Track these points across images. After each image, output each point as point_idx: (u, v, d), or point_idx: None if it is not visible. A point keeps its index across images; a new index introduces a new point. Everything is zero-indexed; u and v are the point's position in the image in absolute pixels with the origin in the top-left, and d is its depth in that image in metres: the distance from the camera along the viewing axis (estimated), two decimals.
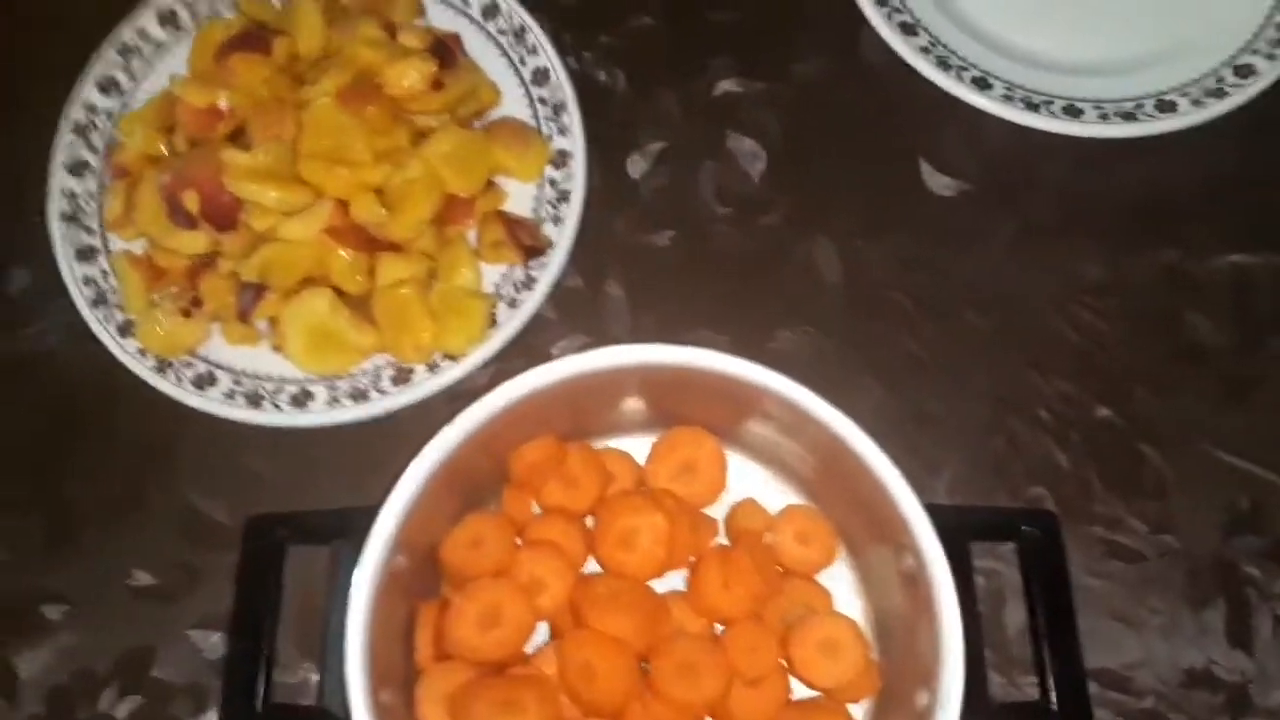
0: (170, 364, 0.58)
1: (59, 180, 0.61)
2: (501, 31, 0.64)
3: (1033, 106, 0.61)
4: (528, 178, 0.61)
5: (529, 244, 0.59)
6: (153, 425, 0.59)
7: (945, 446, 0.58)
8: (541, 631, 0.53)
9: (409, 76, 0.58)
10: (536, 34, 0.63)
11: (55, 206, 0.61)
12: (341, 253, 0.56)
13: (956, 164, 0.64)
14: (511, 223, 0.59)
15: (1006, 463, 0.58)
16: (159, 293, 0.58)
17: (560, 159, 0.61)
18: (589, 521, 0.54)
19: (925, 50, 0.63)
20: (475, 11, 0.65)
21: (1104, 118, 0.61)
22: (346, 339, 0.57)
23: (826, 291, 0.62)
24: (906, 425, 0.58)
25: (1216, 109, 0.61)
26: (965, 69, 0.63)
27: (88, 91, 0.63)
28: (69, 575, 0.58)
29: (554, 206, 0.60)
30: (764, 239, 0.63)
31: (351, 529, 0.47)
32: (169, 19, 0.64)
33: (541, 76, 0.63)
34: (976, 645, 0.45)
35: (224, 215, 0.56)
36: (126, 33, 0.64)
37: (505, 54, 0.64)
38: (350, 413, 0.57)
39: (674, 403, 0.55)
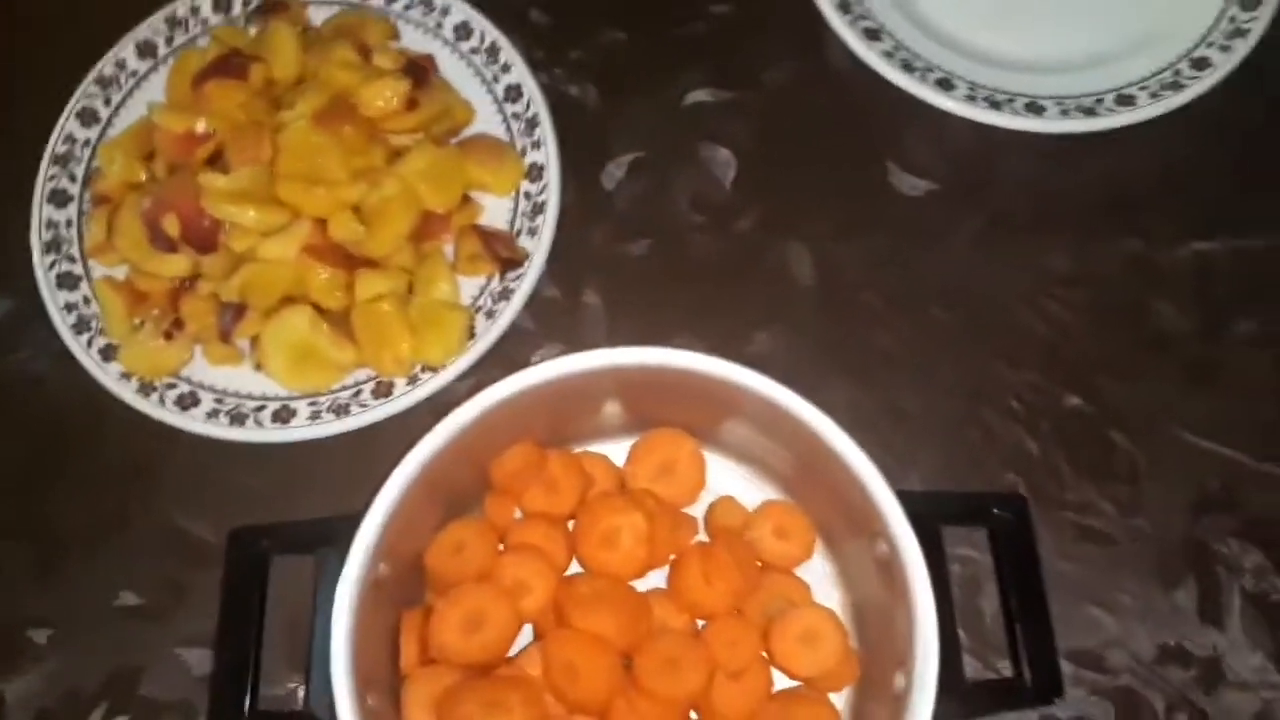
0: (154, 386, 0.59)
1: (40, 210, 0.63)
2: (474, 51, 0.65)
3: (995, 105, 0.63)
4: (502, 192, 0.62)
5: (505, 256, 0.60)
6: (136, 447, 0.60)
7: (919, 439, 0.59)
8: (525, 634, 0.53)
9: (384, 97, 0.60)
10: (508, 52, 0.65)
11: (37, 236, 0.62)
12: (320, 270, 0.57)
13: (923, 164, 0.65)
14: (488, 236, 0.60)
15: (979, 453, 0.59)
16: (141, 316, 0.60)
17: (535, 172, 0.62)
18: (570, 525, 0.55)
19: (889, 54, 0.64)
20: (448, 32, 0.66)
21: (1065, 114, 0.63)
22: (327, 355, 0.58)
23: (800, 293, 0.63)
24: (881, 420, 0.59)
25: (1174, 102, 0.62)
26: (928, 71, 0.64)
27: (68, 123, 0.64)
28: (55, 598, 0.58)
29: (529, 219, 0.62)
30: (738, 244, 0.64)
31: (335, 538, 0.48)
32: (147, 50, 0.66)
33: (514, 93, 0.64)
34: (950, 626, 0.46)
35: (204, 238, 0.57)
36: (105, 64, 0.65)
37: (478, 73, 0.65)
38: (332, 427, 0.58)
39: (652, 406, 0.56)
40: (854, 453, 0.48)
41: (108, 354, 0.59)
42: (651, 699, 0.50)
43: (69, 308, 0.60)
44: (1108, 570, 0.56)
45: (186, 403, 0.58)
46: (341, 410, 0.58)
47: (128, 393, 0.59)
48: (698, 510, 0.57)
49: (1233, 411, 0.59)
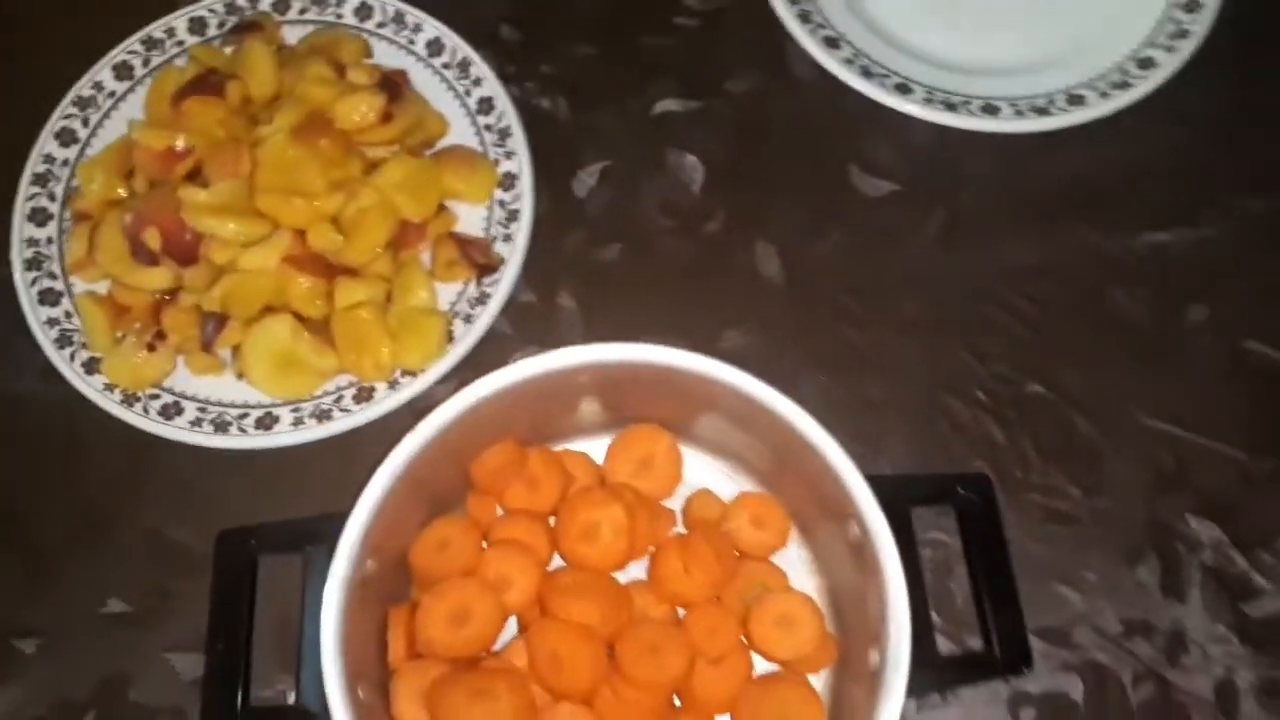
0: (137, 397, 0.60)
1: (21, 229, 0.64)
2: (446, 66, 0.67)
3: (952, 107, 0.65)
4: (477, 200, 0.64)
5: (482, 262, 0.61)
6: (121, 457, 0.61)
7: (888, 429, 0.61)
8: (509, 629, 0.54)
9: (359, 111, 0.61)
10: (479, 66, 0.66)
11: (18, 254, 0.63)
12: (301, 280, 0.59)
13: (884, 166, 0.67)
14: (464, 243, 0.62)
15: (947, 441, 0.60)
16: (123, 330, 0.61)
17: (508, 181, 0.64)
18: (551, 521, 0.57)
19: (849, 62, 0.67)
20: (420, 49, 0.68)
21: (1019, 114, 0.65)
22: (308, 362, 0.59)
23: (769, 291, 0.65)
24: (851, 412, 0.61)
25: (1122, 100, 0.65)
26: (887, 76, 0.66)
27: (46, 143, 0.65)
28: (42, 608, 0.59)
29: (504, 226, 0.63)
30: (707, 246, 0.66)
31: (322, 536, 0.49)
32: (124, 71, 0.67)
33: (486, 105, 0.66)
34: (921, 603, 0.48)
35: (185, 250, 0.59)
36: (83, 86, 0.66)
37: (451, 86, 0.67)
38: (315, 432, 0.59)
39: (629, 403, 0.57)
40: (825, 440, 0.50)
41: (91, 367, 0.60)
42: (635, 685, 0.51)
43: (51, 323, 0.61)
44: (1073, 550, 0.58)
45: (170, 412, 0.59)
46: (324, 416, 0.59)
47: (111, 404, 0.59)
48: (675, 503, 0.58)
49: (1187, 394, 0.61)
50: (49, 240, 0.63)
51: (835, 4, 0.70)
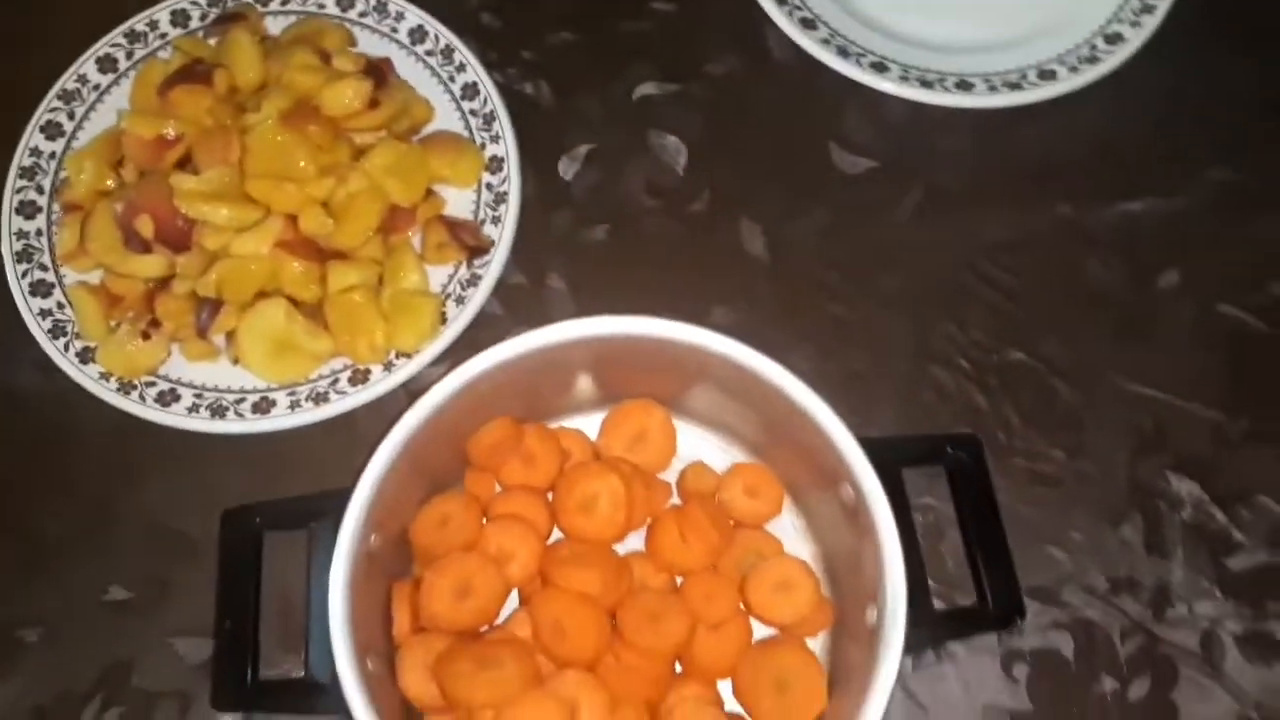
0: (133, 384, 0.60)
1: (9, 222, 0.64)
2: (430, 53, 0.68)
3: (927, 84, 0.67)
4: (464, 184, 0.65)
5: (472, 244, 0.62)
6: (117, 445, 0.61)
7: (875, 399, 0.62)
8: (510, 603, 0.55)
9: (346, 96, 0.62)
10: (463, 52, 0.67)
11: (8, 248, 0.63)
12: (294, 264, 0.59)
13: (863, 143, 0.68)
14: (453, 225, 0.62)
15: (933, 409, 0.62)
16: (116, 319, 0.61)
17: (494, 164, 0.65)
18: (549, 497, 0.57)
19: (825, 41, 0.68)
20: (403, 36, 0.68)
21: (993, 89, 0.67)
22: (304, 345, 0.60)
23: (754, 268, 0.66)
24: (837, 383, 0.62)
25: (1092, 74, 0.67)
26: (863, 55, 0.68)
27: (32, 136, 0.66)
28: (43, 597, 0.59)
29: (492, 208, 0.64)
30: (692, 225, 0.67)
31: (326, 511, 0.50)
32: (107, 64, 0.67)
33: (471, 91, 0.67)
34: (916, 560, 0.49)
35: (178, 237, 0.59)
36: (67, 79, 0.67)
37: (435, 73, 0.68)
38: (312, 415, 0.59)
39: (622, 378, 0.58)
40: (817, 404, 0.51)
41: (85, 357, 0.61)
42: (637, 652, 0.52)
43: (44, 314, 0.61)
44: (1059, 511, 0.60)
45: (167, 399, 0.60)
46: (320, 398, 0.60)
47: (107, 392, 0.60)
48: (670, 476, 0.59)
49: (1163, 358, 0.63)
50: (38, 233, 0.64)
51: None
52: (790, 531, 0.58)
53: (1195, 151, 0.68)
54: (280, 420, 0.59)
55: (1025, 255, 0.65)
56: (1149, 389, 0.62)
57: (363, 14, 0.69)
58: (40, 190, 0.65)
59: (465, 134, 0.66)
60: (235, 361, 0.61)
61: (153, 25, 0.68)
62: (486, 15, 0.73)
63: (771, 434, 0.57)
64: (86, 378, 0.60)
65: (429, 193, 0.64)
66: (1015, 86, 0.67)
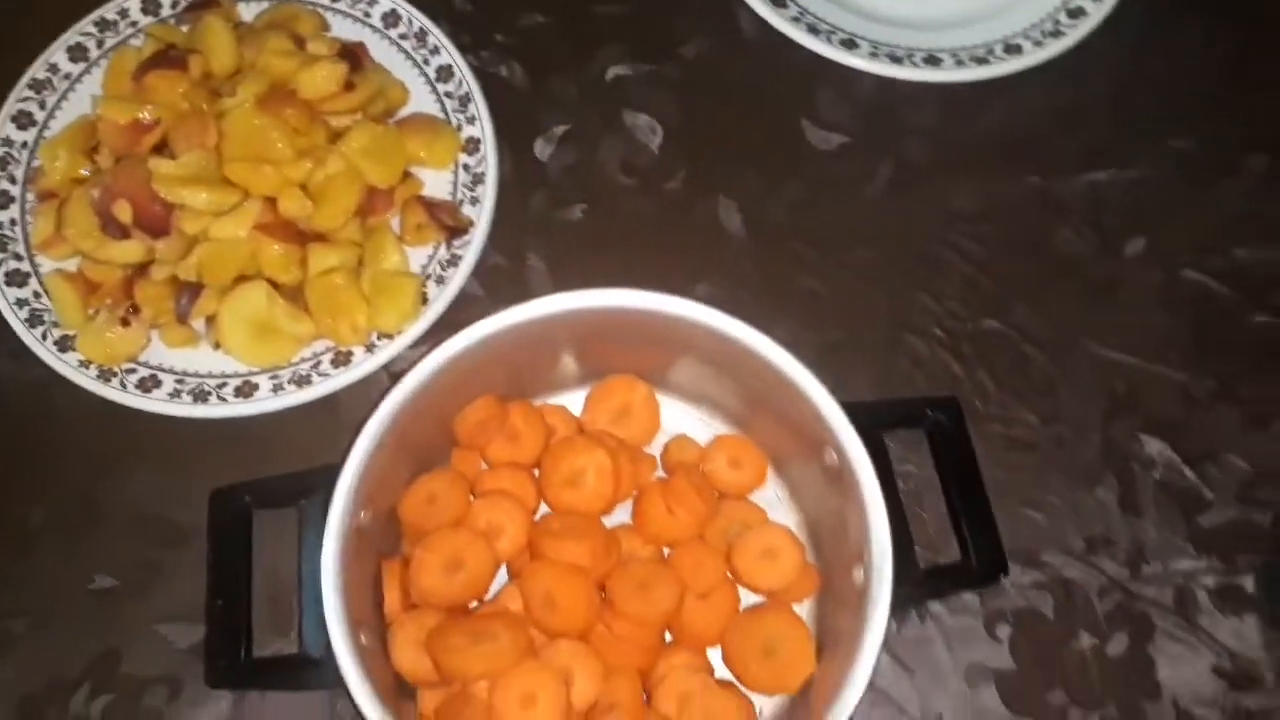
0: (113, 372, 0.60)
1: None
2: (403, 37, 0.68)
3: (896, 60, 0.68)
4: (441, 165, 0.65)
5: (450, 224, 0.62)
6: (99, 433, 0.61)
7: (853, 369, 0.63)
8: (499, 579, 0.55)
9: (322, 79, 0.62)
10: (437, 35, 0.68)
11: None
12: (274, 246, 0.59)
13: (834, 119, 0.69)
14: (432, 206, 0.63)
15: (910, 377, 0.63)
16: (94, 306, 0.60)
17: (471, 145, 0.65)
18: (536, 474, 0.58)
19: (796, 19, 0.69)
20: (376, 21, 0.69)
21: (960, 64, 0.68)
22: (285, 328, 0.60)
23: (732, 244, 0.67)
24: (817, 356, 0.61)
25: (1056, 48, 0.68)
26: (833, 32, 0.69)
27: (4, 127, 0.65)
28: (28, 587, 0.59)
29: (470, 189, 0.64)
30: (669, 203, 0.68)
31: (315, 488, 0.50)
32: (78, 53, 0.67)
33: (445, 73, 0.67)
34: (900, 520, 0.50)
35: (157, 222, 0.59)
36: (37, 69, 0.66)
37: (409, 56, 0.68)
38: (295, 397, 0.60)
39: (604, 355, 0.59)
40: (799, 371, 0.52)
41: (64, 345, 0.60)
42: (628, 621, 0.52)
43: (20, 304, 0.61)
44: (1036, 475, 0.61)
45: (148, 385, 0.60)
46: (303, 381, 0.60)
47: (87, 380, 0.59)
48: (654, 450, 0.60)
49: (1131, 323, 0.64)
50: (12, 222, 0.63)
51: None
52: (774, 501, 0.59)
53: (1157, 122, 0.70)
54: (263, 404, 0.59)
55: (995, 225, 0.67)
56: (1119, 353, 0.64)
57: None
58: (13, 180, 0.64)
59: (441, 116, 0.66)
60: (216, 346, 0.61)
61: (123, 13, 0.68)
62: None
63: (753, 405, 0.58)
64: (66, 366, 0.60)
65: (406, 175, 0.64)
66: (982, 61, 0.68)
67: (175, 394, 0.59)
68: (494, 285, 0.65)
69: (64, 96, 0.66)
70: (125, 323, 0.60)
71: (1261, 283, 0.65)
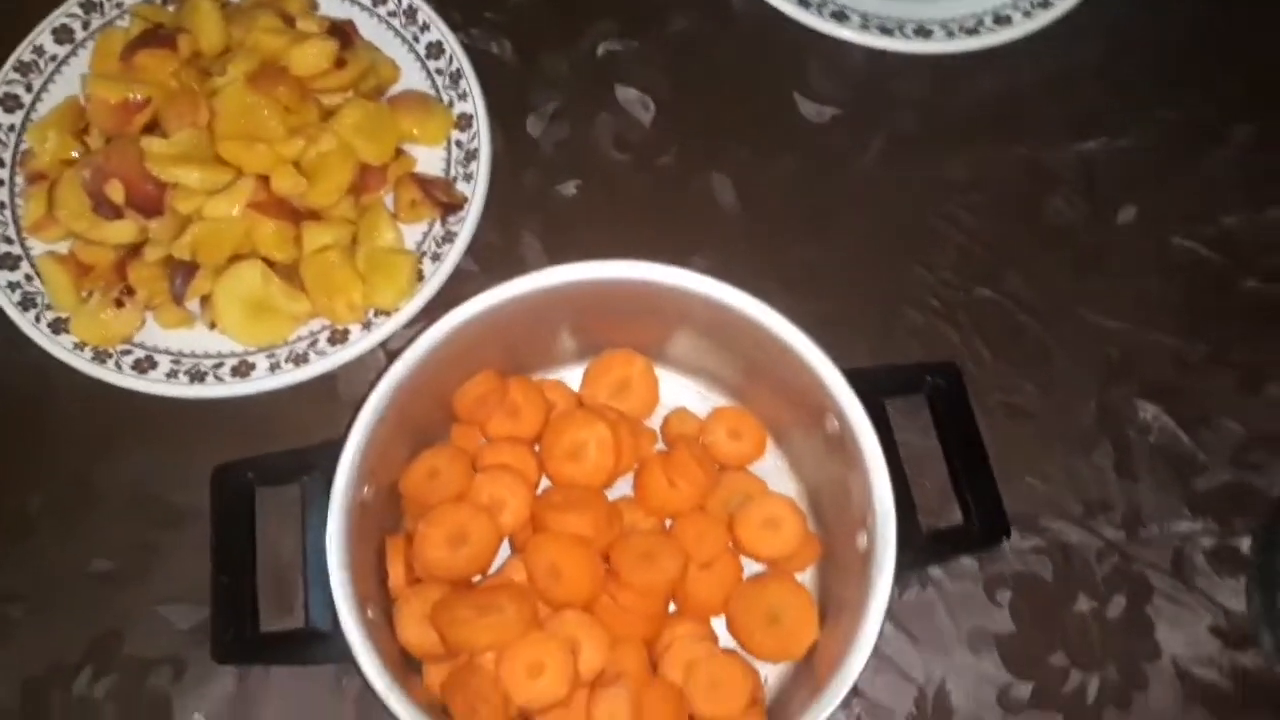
0: (108, 353, 0.60)
1: None
2: (392, 14, 0.68)
3: (887, 31, 0.68)
4: (434, 142, 0.65)
5: (445, 200, 0.62)
6: (95, 416, 0.61)
7: (850, 341, 0.63)
8: (502, 554, 0.55)
9: (313, 56, 0.61)
10: (426, 11, 0.67)
11: None
12: (268, 224, 0.59)
13: (825, 91, 0.69)
14: (425, 183, 0.63)
15: (906, 347, 0.63)
16: (88, 288, 0.60)
17: (463, 122, 0.65)
18: (537, 449, 0.58)
19: None
20: None
21: (950, 35, 0.68)
22: (281, 307, 0.60)
23: (725, 218, 0.67)
24: (813, 328, 0.62)
25: (1045, 18, 0.68)
26: (823, 5, 0.69)
27: None
28: (26, 572, 0.58)
29: (464, 166, 0.64)
30: (663, 178, 0.67)
31: (318, 463, 0.50)
32: (63, 35, 0.66)
33: (436, 50, 0.67)
34: (903, 484, 0.50)
35: (149, 202, 0.58)
36: (23, 51, 0.66)
37: (398, 34, 0.67)
38: (292, 376, 0.59)
39: (602, 329, 0.59)
40: (799, 339, 0.52)
41: (58, 327, 0.60)
42: (633, 591, 0.53)
43: (12, 287, 0.61)
44: (1033, 442, 0.61)
45: (144, 366, 0.59)
46: (300, 359, 0.59)
47: (82, 362, 0.59)
48: (653, 424, 0.60)
49: (1124, 290, 0.65)
50: (1, 206, 0.63)
51: None
52: (773, 472, 0.59)
53: (1145, 92, 0.70)
54: (260, 383, 0.59)
55: (987, 195, 0.67)
56: (1112, 320, 0.64)
57: None
58: (1, 164, 0.64)
59: (432, 93, 0.66)
60: (212, 326, 0.60)
61: None
62: None
63: (752, 376, 0.58)
64: (60, 349, 0.59)
65: (399, 152, 0.64)
66: (972, 32, 0.68)
67: (172, 374, 0.59)
68: (489, 262, 0.65)
69: (50, 79, 0.66)
70: (119, 304, 0.59)
71: (1251, 249, 0.66)
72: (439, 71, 0.66)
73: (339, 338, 0.60)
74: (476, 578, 0.55)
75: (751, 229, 0.66)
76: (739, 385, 0.59)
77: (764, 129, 0.69)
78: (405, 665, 0.52)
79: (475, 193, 0.63)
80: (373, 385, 0.51)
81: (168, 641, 0.57)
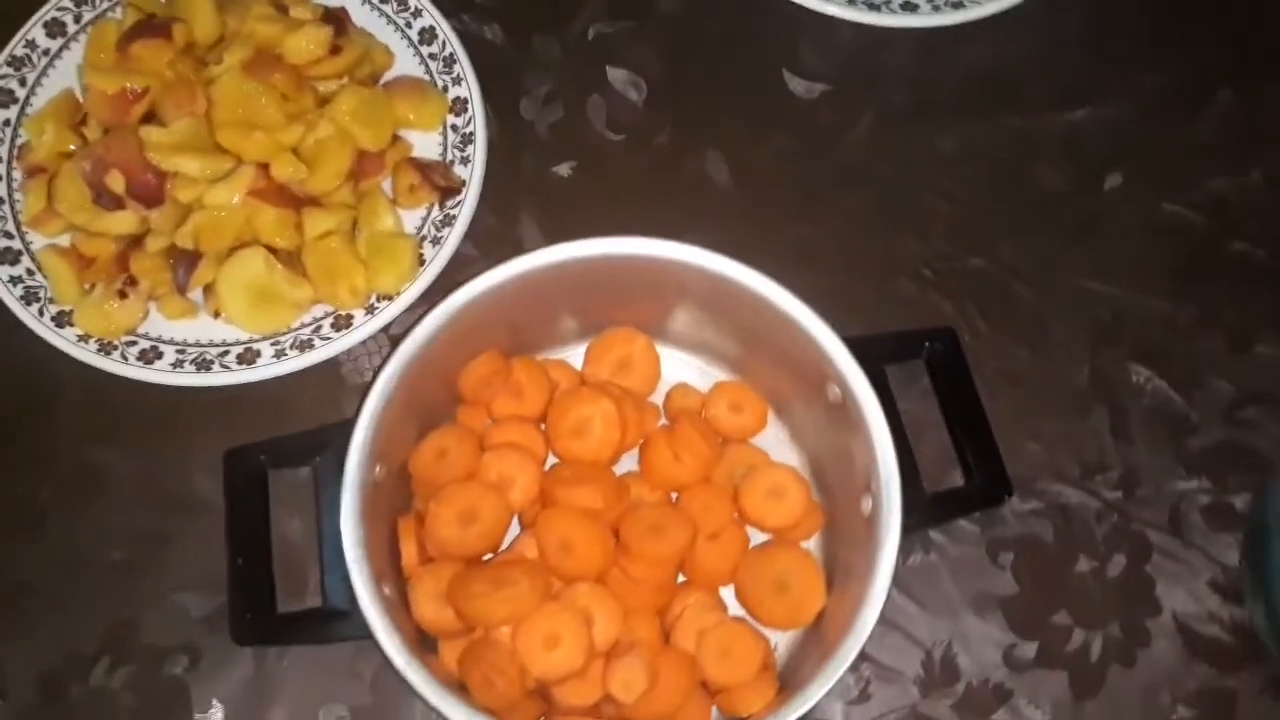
0: (113, 345, 0.60)
1: None
2: (384, 1, 0.68)
3: (874, 7, 0.69)
4: (429, 127, 0.65)
5: (443, 184, 0.63)
6: (102, 407, 0.61)
7: (846, 313, 0.62)
8: (511, 532, 0.56)
9: (307, 43, 0.62)
10: None
11: None
12: (268, 211, 0.59)
13: (815, 68, 0.70)
14: (423, 167, 0.63)
15: (902, 317, 0.64)
16: (90, 280, 0.60)
17: (458, 106, 0.65)
18: (542, 427, 0.58)
19: None
20: None
21: (936, 9, 0.69)
22: (284, 294, 0.60)
23: (720, 195, 0.67)
24: (809, 301, 0.63)
25: None
26: None
27: None
28: (40, 564, 0.59)
29: (460, 149, 0.65)
30: (657, 157, 0.68)
31: (329, 445, 0.51)
32: (56, 28, 0.66)
33: (428, 35, 0.67)
34: (905, 447, 0.51)
35: (150, 192, 0.59)
36: (15, 45, 0.66)
37: (391, 20, 0.68)
38: (297, 362, 0.60)
39: (603, 308, 0.59)
40: (799, 308, 0.53)
41: (61, 320, 0.60)
42: (644, 562, 0.53)
43: (14, 281, 0.61)
44: (1030, 406, 0.62)
45: (149, 357, 0.60)
46: (304, 345, 0.60)
47: (88, 355, 0.59)
48: (655, 401, 0.61)
49: (1114, 255, 0.66)
50: (0, 200, 0.63)
51: None
52: (775, 444, 0.60)
53: (1128, 59, 0.71)
54: (266, 370, 0.59)
55: (977, 166, 0.68)
56: (1103, 285, 0.65)
57: None
58: None
59: (426, 78, 0.66)
60: (216, 315, 0.61)
61: None
62: None
63: (752, 349, 0.59)
64: (65, 341, 0.60)
65: (395, 138, 0.64)
66: (958, 5, 0.69)
67: (178, 364, 0.59)
68: (488, 246, 0.65)
69: (44, 73, 0.66)
70: (123, 295, 0.60)
71: (1238, 211, 0.67)
72: (432, 57, 0.67)
73: (342, 323, 0.61)
74: (488, 555, 0.55)
75: (745, 206, 0.67)
76: (739, 359, 0.60)
77: (755, 107, 0.69)
78: (421, 644, 0.52)
79: (473, 176, 0.64)
80: (381, 366, 0.51)
81: (183, 630, 0.57)
